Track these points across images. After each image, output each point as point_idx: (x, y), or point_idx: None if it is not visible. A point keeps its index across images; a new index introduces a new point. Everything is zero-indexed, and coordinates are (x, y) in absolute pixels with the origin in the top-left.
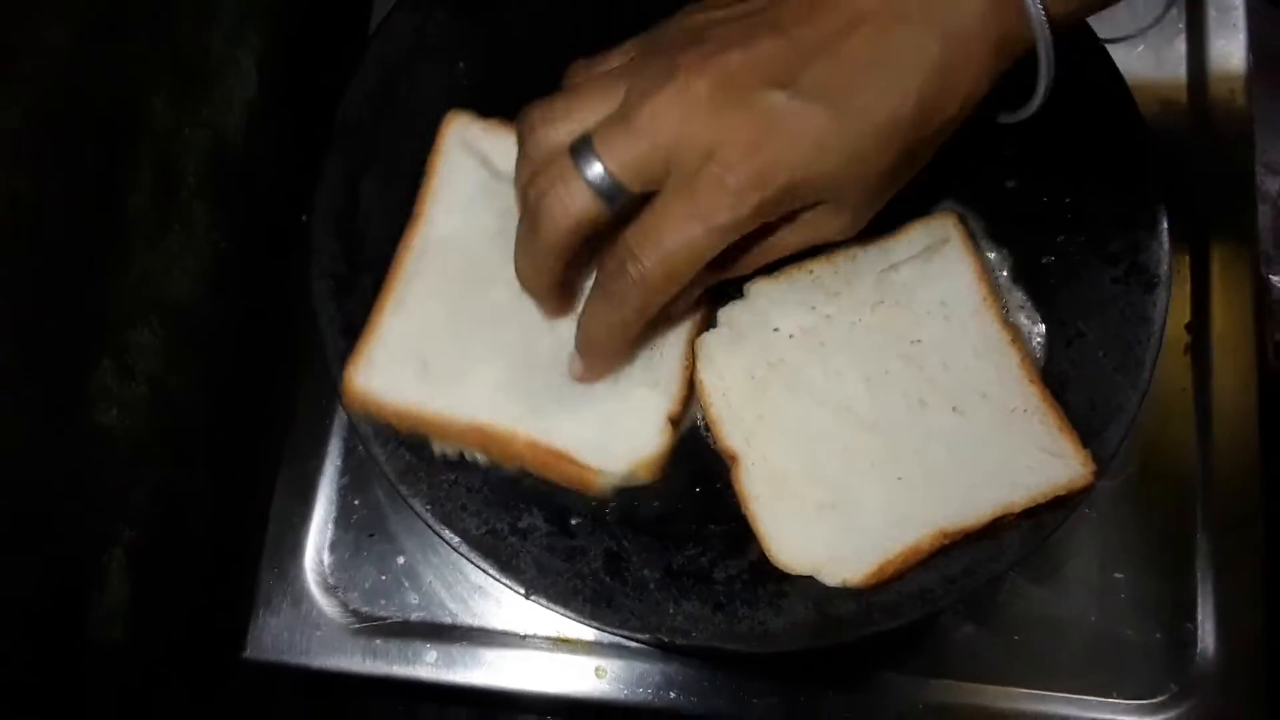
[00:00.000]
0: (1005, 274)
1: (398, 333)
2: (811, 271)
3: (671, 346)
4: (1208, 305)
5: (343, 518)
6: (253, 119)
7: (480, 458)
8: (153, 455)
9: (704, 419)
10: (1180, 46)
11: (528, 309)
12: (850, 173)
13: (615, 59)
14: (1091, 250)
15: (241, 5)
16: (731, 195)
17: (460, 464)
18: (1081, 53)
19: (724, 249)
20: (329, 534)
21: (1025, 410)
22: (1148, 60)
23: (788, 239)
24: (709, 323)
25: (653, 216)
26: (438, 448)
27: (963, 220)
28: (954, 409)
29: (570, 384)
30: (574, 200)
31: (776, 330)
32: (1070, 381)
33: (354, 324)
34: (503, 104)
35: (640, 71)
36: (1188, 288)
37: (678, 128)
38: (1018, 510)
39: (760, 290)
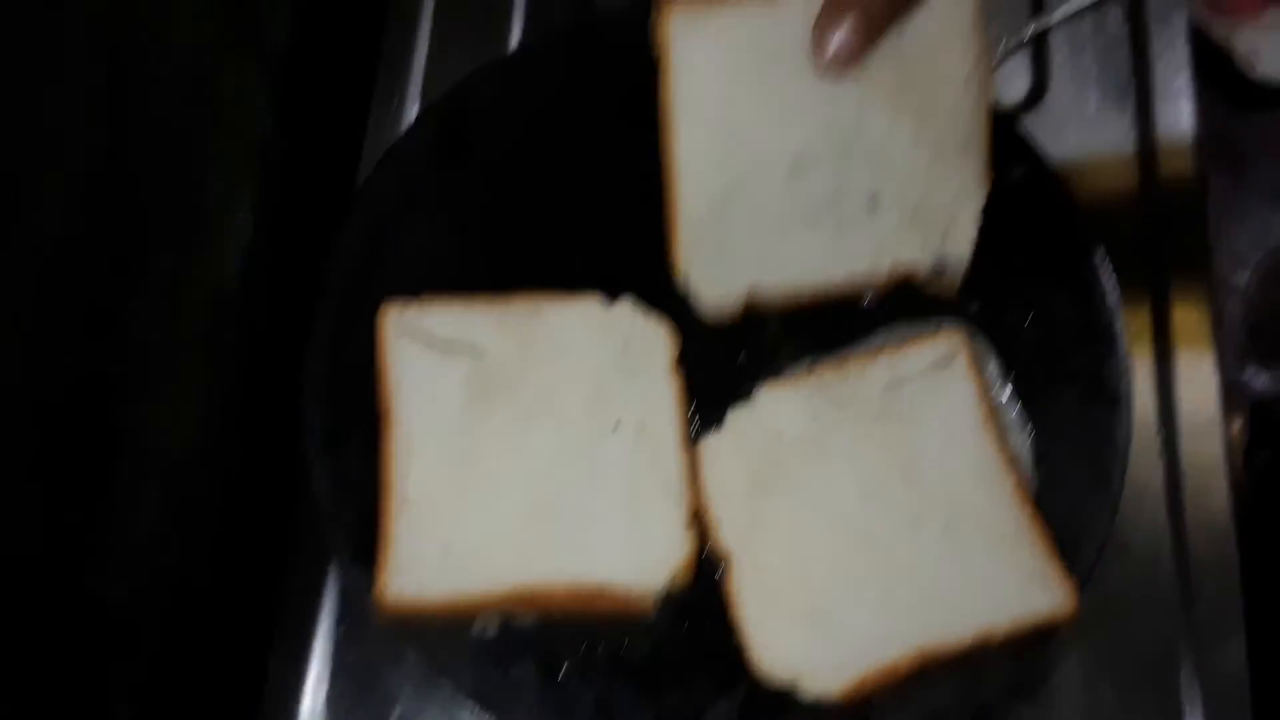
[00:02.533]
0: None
1: (409, 532)
2: (820, 380)
3: (668, 450)
4: (1172, 403)
5: (339, 671)
6: (250, 271)
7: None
8: (148, 620)
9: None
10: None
11: (524, 462)
12: None
13: None
14: (1053, 370)
15: (236, 157)
16: None
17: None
18: (1024, 167)
19: None
20: (325, 689)
21: (1016, 536)
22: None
23: None
24: (716, 424)
25: None
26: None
27: (968, 340)
28: (946, 529)
29: (583, 517)
30: None
31: (780, 436)
32: (1040, 500)
33: (348, 481)
34: (490, 255)
35: None
36: (1152, 393)
37: None
38: (999, 637)
39: (768, 395)
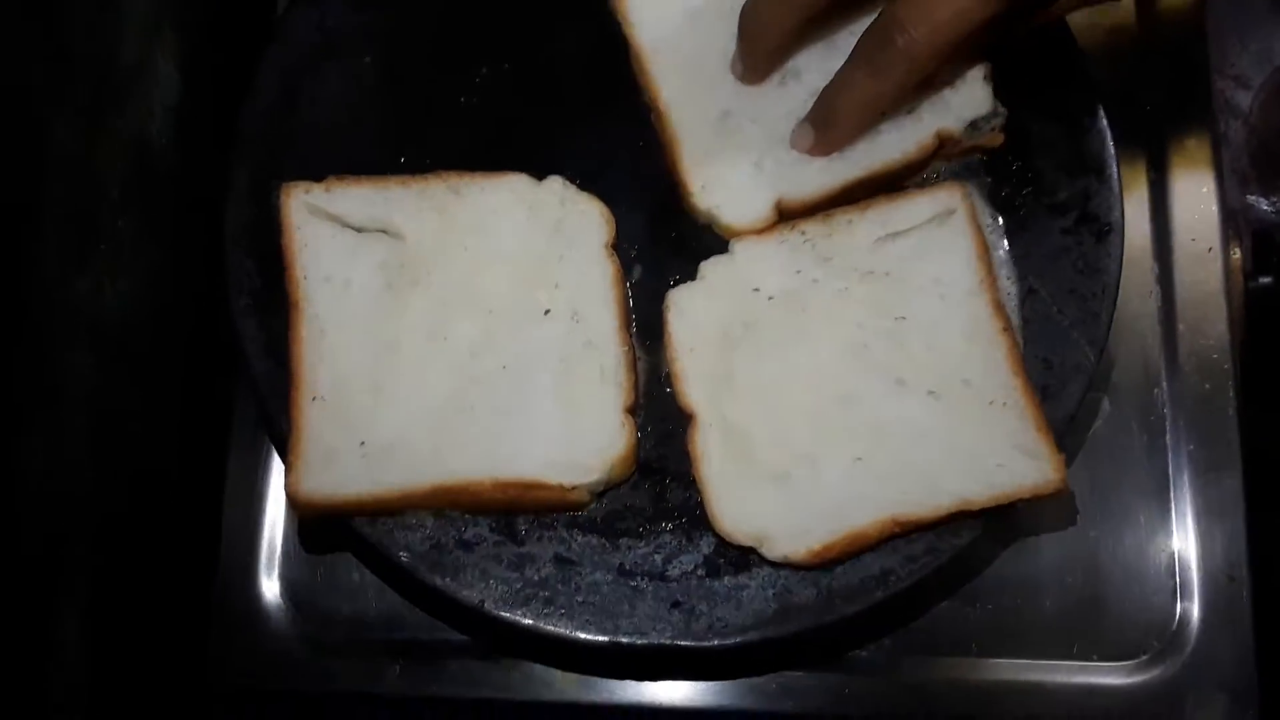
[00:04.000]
0: (1003, 251)
1: (322, 426)
2: (804, 232)
3: (605, 336)
4: (1169, 233)
5: (292, 532)
6: (179, 123)
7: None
8: (96, 481)
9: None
10: None
11: (446, 352)
12: None
13: None
14: (1039, 201)
15: (154, 4)
16: None
17: None
18: None
19: (1000, 14)
20: (283, 550)
21: (1005, 404)
22: None
23: None
24: (688, 276)
25: None
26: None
27: (969, 194)
28: (931, 392)
29: (515, 408)
30: None
31: (757, 290)
32: (1025, 340)
33: (276, 342)
34: (414, 98)
35: None
36: (1148, 223)
37: None
38: (976, 508)
39: (746, 247)
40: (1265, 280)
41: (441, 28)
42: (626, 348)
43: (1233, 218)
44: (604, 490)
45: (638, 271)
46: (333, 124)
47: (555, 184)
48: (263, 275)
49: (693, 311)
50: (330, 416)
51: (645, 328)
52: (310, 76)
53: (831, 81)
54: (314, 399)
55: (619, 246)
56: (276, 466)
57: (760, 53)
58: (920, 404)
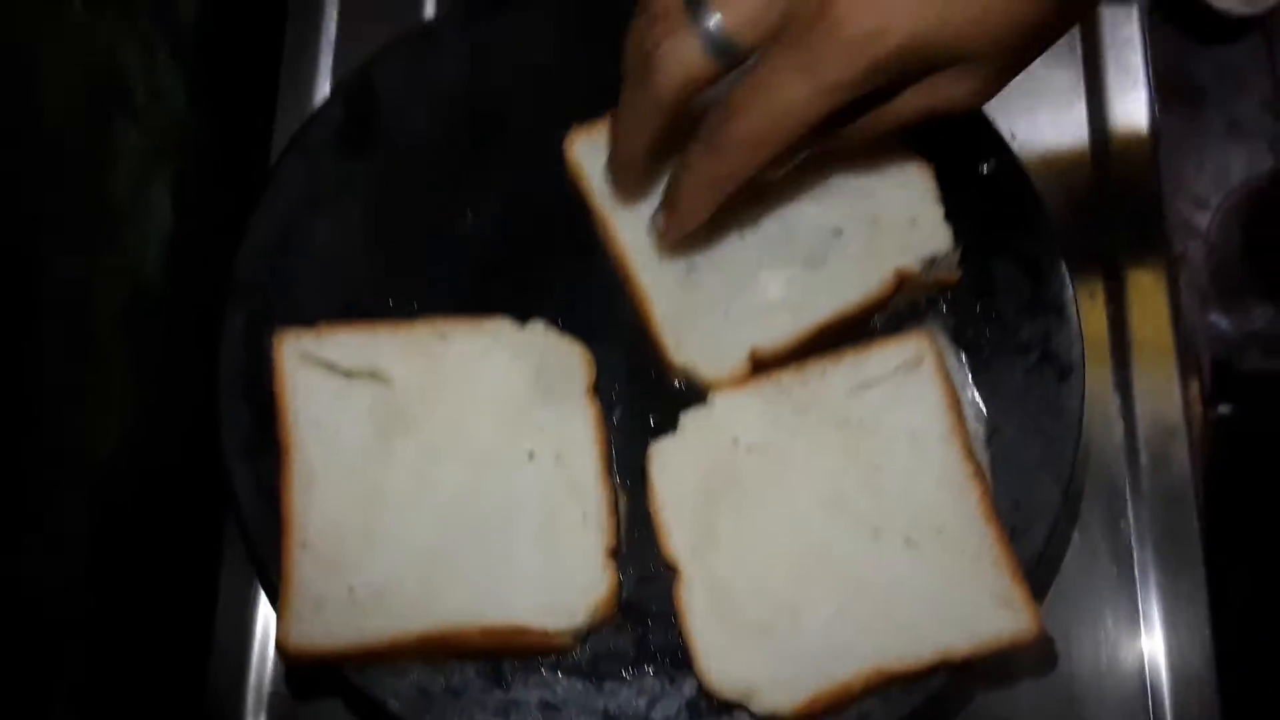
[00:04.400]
0: (970, 392)
1: (311, 573)
2: (780, 383)
3: (587, 480)
4: (1129, 369)
5: (279, 675)
6: (173, 258)
7: None
8: (87, 619)
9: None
10: (1080, 109)
11: (433, 496)
12: (983, 29)
13: None
14: (1002, 341)
15: (150, 141)
16: (845, 51)
17: None
18: (980, 144)
19: (835, 110)
20: (270, 693)
21: (979, 553)
22: (1048, 127)
23: (909, 103)
24: (669, 428)
25: (762, 72)
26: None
27: (936, 342)
28: (907, 541)
29: (500, 553)
30: (687, 54)
31: (736, 441)
32: (992, 479)
33: (266, 487)
34: (401, 244)
35: None
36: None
37: None
38: (958, 659)
39: (725, 399)
40: (1224, 409)
41: (428, 178)
42: (608, 490)
43: (1190, 347)
44: (587, 633)
45: (619, 411)
46: (324, 269)
47: (538, 328)
48: (254, 420)
49: (675, 465)
50: (319, 563)
51: (627, 467)
52: (302, 223)
53: (678, 164)
54: (303, 545)
55: (600, 387)
56: (264, 609)
57: (624, 166)
58: (897, 554)
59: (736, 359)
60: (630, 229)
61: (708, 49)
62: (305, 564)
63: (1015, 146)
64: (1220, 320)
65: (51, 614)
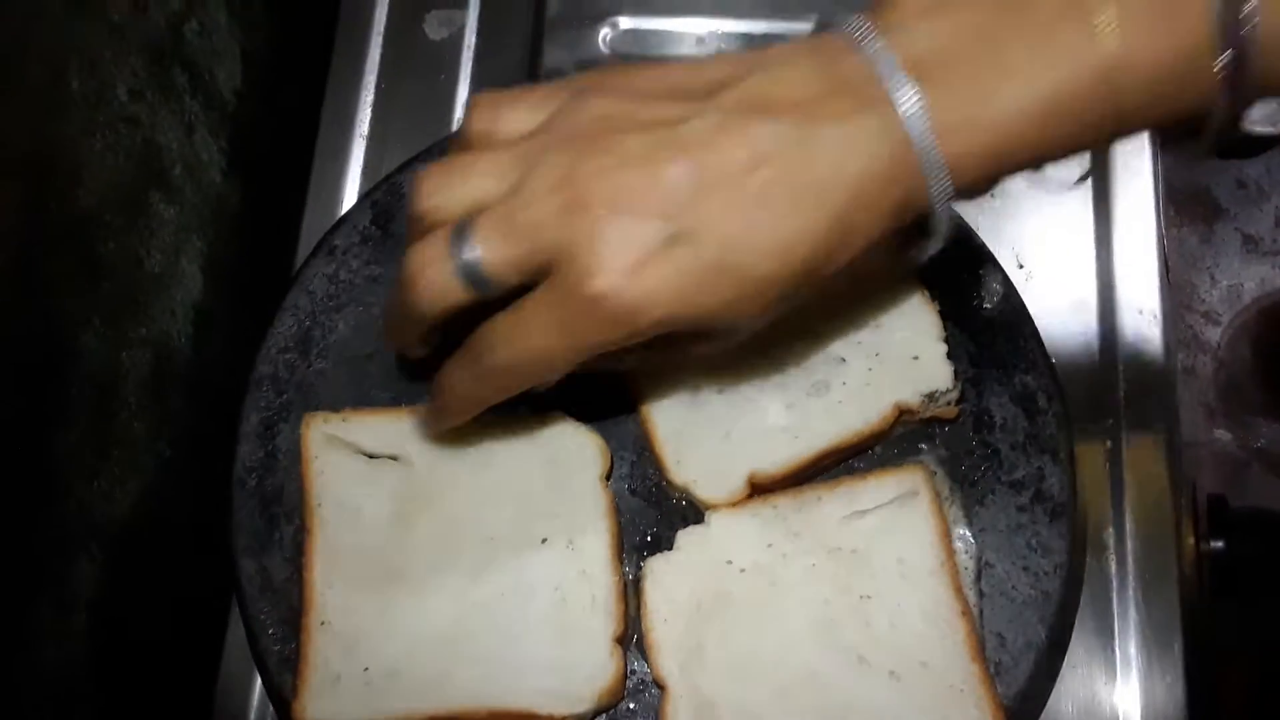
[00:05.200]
0: (965, 533)
1: (329, 652)
2: (776, 506)
3: (597, 566)
4: (1123, 503)
5: None
6: (199, 320)
7: None
8: (92, 687)
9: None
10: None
11: (448, 579)
12: (730, 312)
13: (522, 115)
14: (996, 477)
15: (182, 217)
16: (602, 321)
17: None
18: (983, 278)
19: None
20: None
21: (963, 690)
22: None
23: (661, 355)
24: (665, 544)
25: (521, 313)
26: None
27: (932, 476)
28: (892, 673)
29: (511, 636)
30: (444, 283)
31: (730, 562)
32: (980, 612)
33: (273, 582)
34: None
35: (539, 162)
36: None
37: (561, 237)
38: None
39: (721, 519)
40: (1217, 544)
41: None
42: (617, 577)
43: (1185, 480)
44: (593, 717)
45: (626, 493)
46: (342, 370)
47: (554, 417)
48: (263, 515)
49: (668, 582)
50: (337, 642)
51: (633, 550)
52: (323, 323)
53: (445, 365)
54: (322, 624)
55: (612, 477)
56: (261, 698)
57: (398, 350)
58: (882, 684)
59: (735, 482)
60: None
61: (465, 279)
62: (323, 642)
63: (1022, 275)
64: (1225, 436)
65: (57, 677)
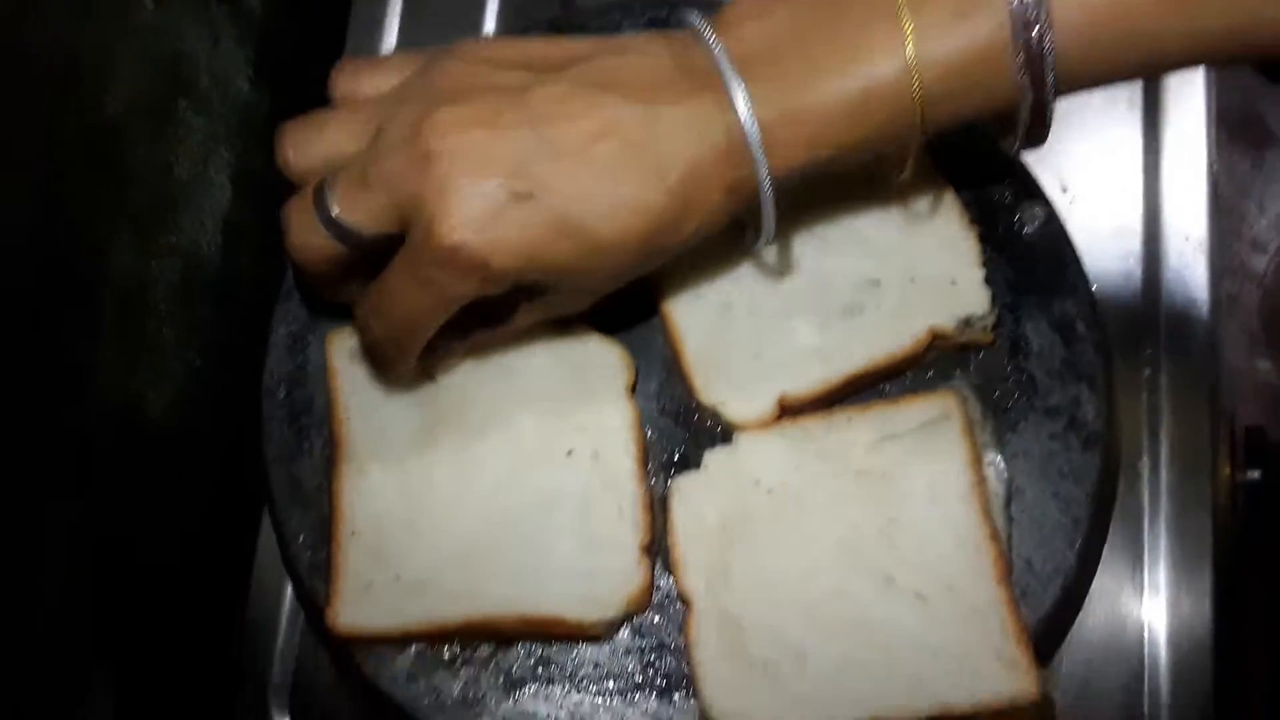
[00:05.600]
0: (996, 458)
1: (360, 560)
2: (805, 429)
3: (624, 478)
4: (1159, 431)
5: (305, 671)
6: (229, 231)
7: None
8: (126, 594)
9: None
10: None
11: (475, 489)
12: (577, 271)
13: (382, 78)
14: (1030, 404)
15: (210, 127)
16: (455, 272)
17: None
18: (1024, 202)
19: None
20: (294, 686)
21: (988, 612)
22: (1102, 177)
23: (525, 311)
24: (692, 463)
25: (385, 281)
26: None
27: (964, 401)
28: (918, 595)
29: (538, 546)
30: (312, 237)
31: (757, 483)
32: (1008, 538)
33: (303, 490)
34: None
35: (394, 116)
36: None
37: (413, 189)
38: (956, 715)
39: (749, 440)
40: (1254, 474)
41: None
42: (644, 488)
43: (1224, 409)
44: (621, 623)
45: (655, 413)
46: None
47: (580, 329)
48: (293, 425)
49: (695, 501)
50: (367, 551)
51: (660, 469)
52: None
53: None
54: (352, 534)
55: (640, 396)
56: (292, 604)
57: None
58: (907, 606)
59: (765, 404)
60: (668, 264)
61: (332, 233)
62: (354, 551)
63: (1067, 198)
64: (1267, 366)
65: (97, 574)
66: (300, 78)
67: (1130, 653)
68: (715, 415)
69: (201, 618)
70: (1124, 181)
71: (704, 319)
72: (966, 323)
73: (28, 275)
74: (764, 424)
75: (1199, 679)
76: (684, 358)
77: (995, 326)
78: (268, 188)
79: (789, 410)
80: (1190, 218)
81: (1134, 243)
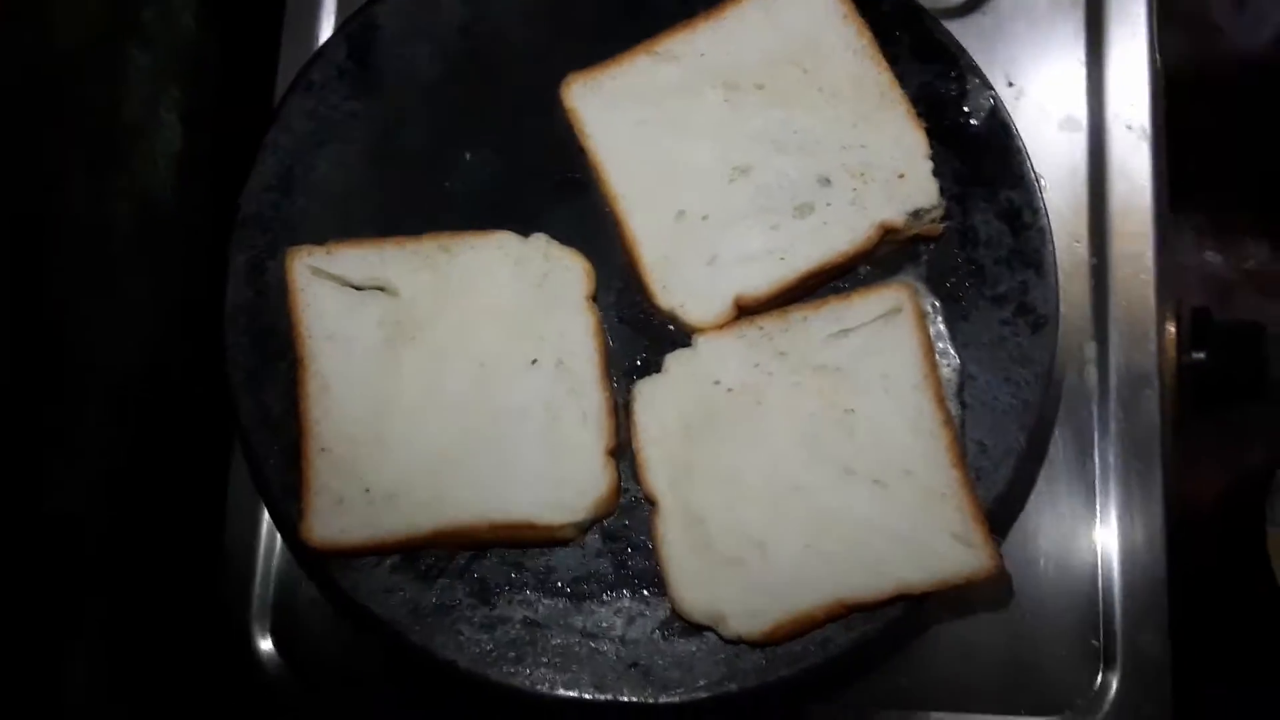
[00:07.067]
0: (944, 340)
1: (330, 475)
2: (762, 328)
3: (588, 384)
4: (1106, 315)
5: (284, 590)
6: (182, 173)
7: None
8: (105, 531)
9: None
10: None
11: (441, 401)
12: None
13: None
14: (980, 292)
15: (157, 63)
16: None
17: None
18: (969, 96)
19: None
20: (274, 607)
21: (945, 494)
22: (1047, 72)
23: None
24: (653, 369)
25: None
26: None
27: (915, 294)
28: (876, 482)
29: (506, 454)
30: None
31: (717, 383)
32: (962, 423)
33: (270, 415)
34: (401, 180)
35: None
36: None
37: None
38: (917, 592)
39: (708, 342)
40: (1199, 355)
41: (427, 115)
42: (607, 393)
43: (1171, 293)
44: (589, 525)
45: (615, 321)
46: (325, 207)
47: (539, 240)
48: (256, 351)
49: (657, 403)
50: (336, 467)
51: (623, 375)
52: (305, 160)
53: None
54: (321, 450)
55: (598, 298)
56: (268, 529)
57: None
58: (866, 493)
59: (722, 305)
60: (621, 174)
61: None
62: (324, 467)
63: (1012, 93)
64: (1214, 258)
65: (71, 516)
66: (246, 15)
67: (1083, 547)
68: (674, 319)
69: (180, 551)
70: (1069, 74)
71: (659, 226)
72: (916, 215)
73: None
74: (722, 325)
75: (1153, 565)
76: (641, 264)
77: (944, 219)
78: (219, 125)
79: (746, 310)
80: (1134, 106)
81: (1079, 135)
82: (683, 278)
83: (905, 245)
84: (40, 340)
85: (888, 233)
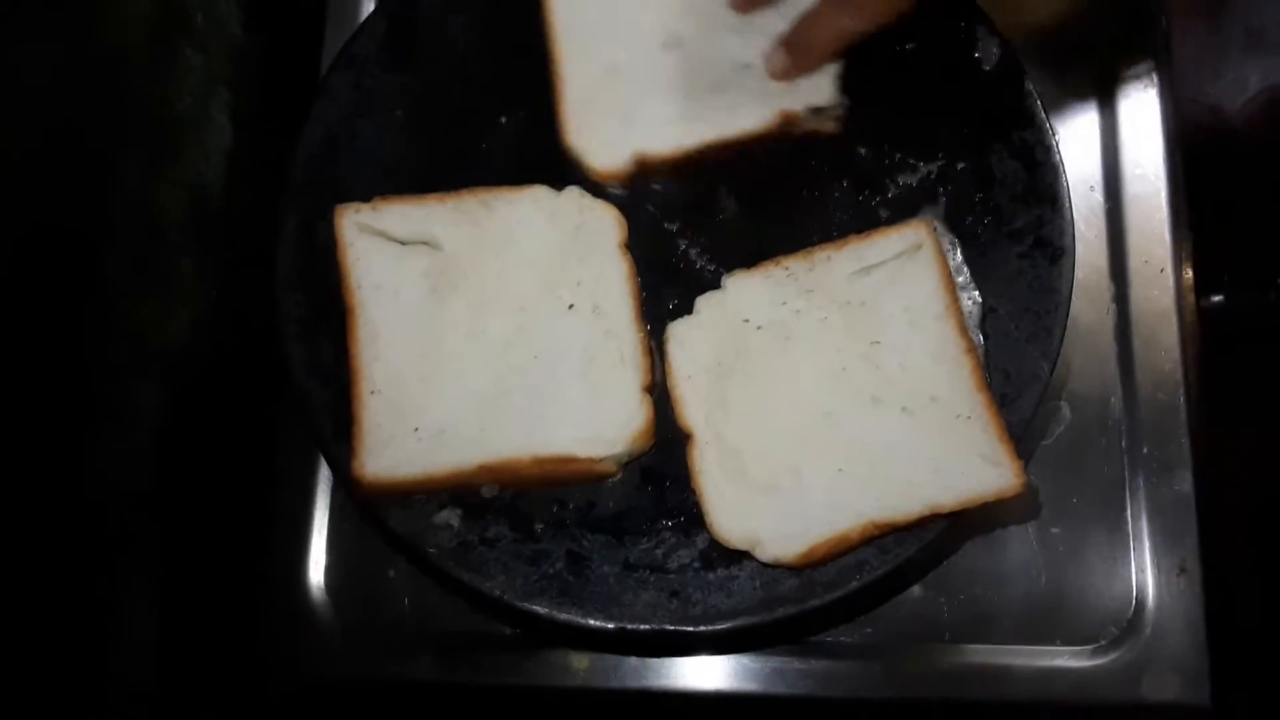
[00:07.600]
0: (965, 276)
1: (380, 416)
2: (787, 268)
3: (622, 325)
4: (1124, 254)
5: (335, 538)
6: (232, 169)
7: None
8: (159, 490)
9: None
10: None
11: (484, 345)
12: None
13: None
14: (997, 229)
15: (209, 63)
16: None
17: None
18: (980, 39)
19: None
20: (326, 550)
21: (970, 417)
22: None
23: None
24: (683, 309)
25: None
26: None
27: (934, 230)
28: (904, 409)
29: (546, 393)
30: None
31: (746, 321)
32: (985, 353)
33: (322, 365)
34: (440, 146)
35: None
36: (1105, 247)
37: None
38: (945, 511)
39: (736, 282)
40: (1216, 299)
41: (463, 85)
42: (641, 334)
43: (1185, 233)
44: (628, 460)
45: (645, 269)
46: (369, 171)
47: (573, 193)
48: (308, 306)
49: (690, 342)
50: (386, 407)
51: (655, 320)
52: (349, 129)
53: (808, 16)
54: (372, 393)
55: (630, 246)
56: (323, 476)
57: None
58: (894, 419)
59: (623, 159)
60: (569, 24)
61: None
62: (374, 408)
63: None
64: None
65: (123, 486)
66: (289, 24)
67: (1113, 479)
68: (577, 161)
69: (230, 518)
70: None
71: (589, 73)
72: (816, 111)
73: (45, 201)
74: (617, 176)
75: (1182, 496)
76: (561, 103)
77: (841, 119)
78: (265, 125)
79: (645, 169)
80: (1144, 53)
81: (1088, 78)
82: (595, 125)
83: (802, 137)
84: (92, 308)
85: (787, 120)
